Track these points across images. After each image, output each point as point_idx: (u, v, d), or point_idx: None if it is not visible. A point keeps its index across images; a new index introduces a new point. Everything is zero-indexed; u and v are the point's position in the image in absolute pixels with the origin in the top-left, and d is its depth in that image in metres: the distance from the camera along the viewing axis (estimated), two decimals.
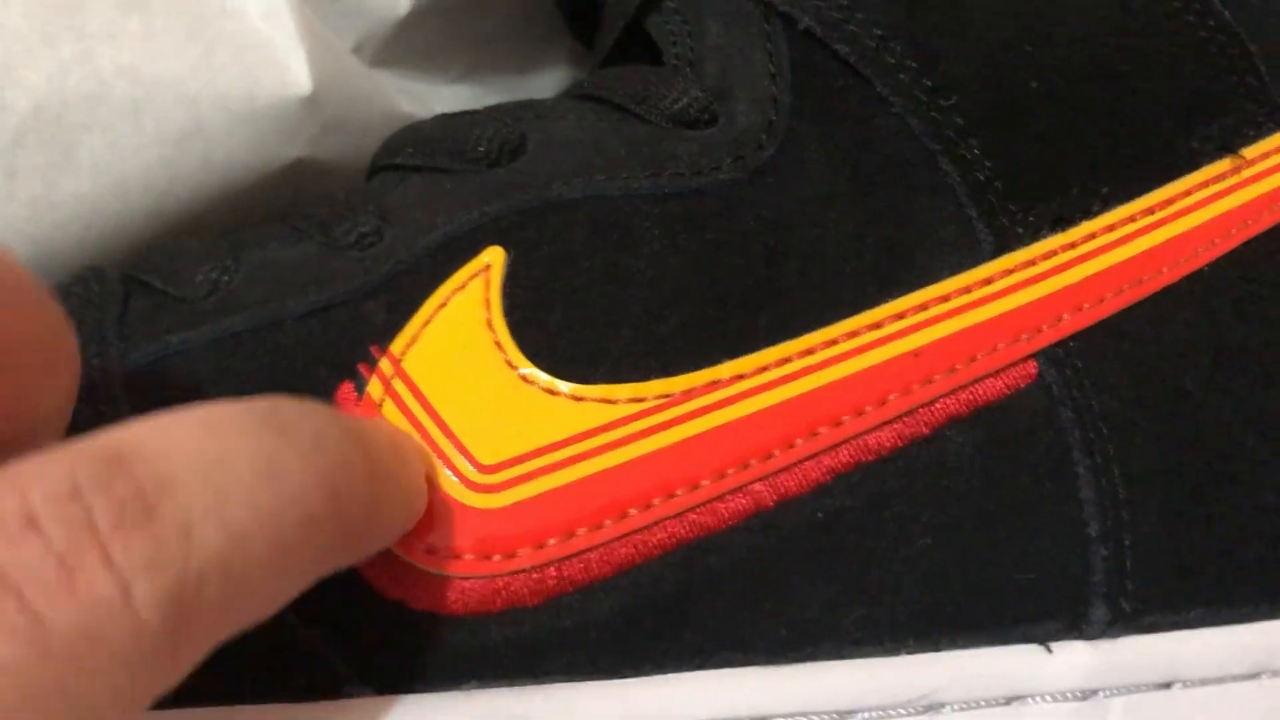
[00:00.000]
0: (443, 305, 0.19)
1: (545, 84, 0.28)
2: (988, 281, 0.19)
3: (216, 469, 0.14)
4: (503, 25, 0.26)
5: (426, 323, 0.19)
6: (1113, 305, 0.19)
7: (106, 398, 0.19)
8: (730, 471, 0.18)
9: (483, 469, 0.18)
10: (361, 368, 0.18)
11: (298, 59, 0.23)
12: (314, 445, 0.15)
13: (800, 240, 0.19)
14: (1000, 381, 0.19)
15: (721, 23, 0.21)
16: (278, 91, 0.23)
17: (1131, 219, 0.20)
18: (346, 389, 0.18)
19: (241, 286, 0.20)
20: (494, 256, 0.19)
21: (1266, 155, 0.21)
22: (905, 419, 0.19)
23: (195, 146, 0.22)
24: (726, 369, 0.18)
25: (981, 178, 0.19)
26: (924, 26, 0.20)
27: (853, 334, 0.19)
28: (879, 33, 0.20)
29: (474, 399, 0.18)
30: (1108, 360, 0.19)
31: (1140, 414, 0.19)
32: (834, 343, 0.19)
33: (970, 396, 0.19)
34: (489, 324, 0.19)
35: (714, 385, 0.18)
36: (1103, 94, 0.20)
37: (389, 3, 0.24)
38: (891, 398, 0.19)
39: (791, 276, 0.19)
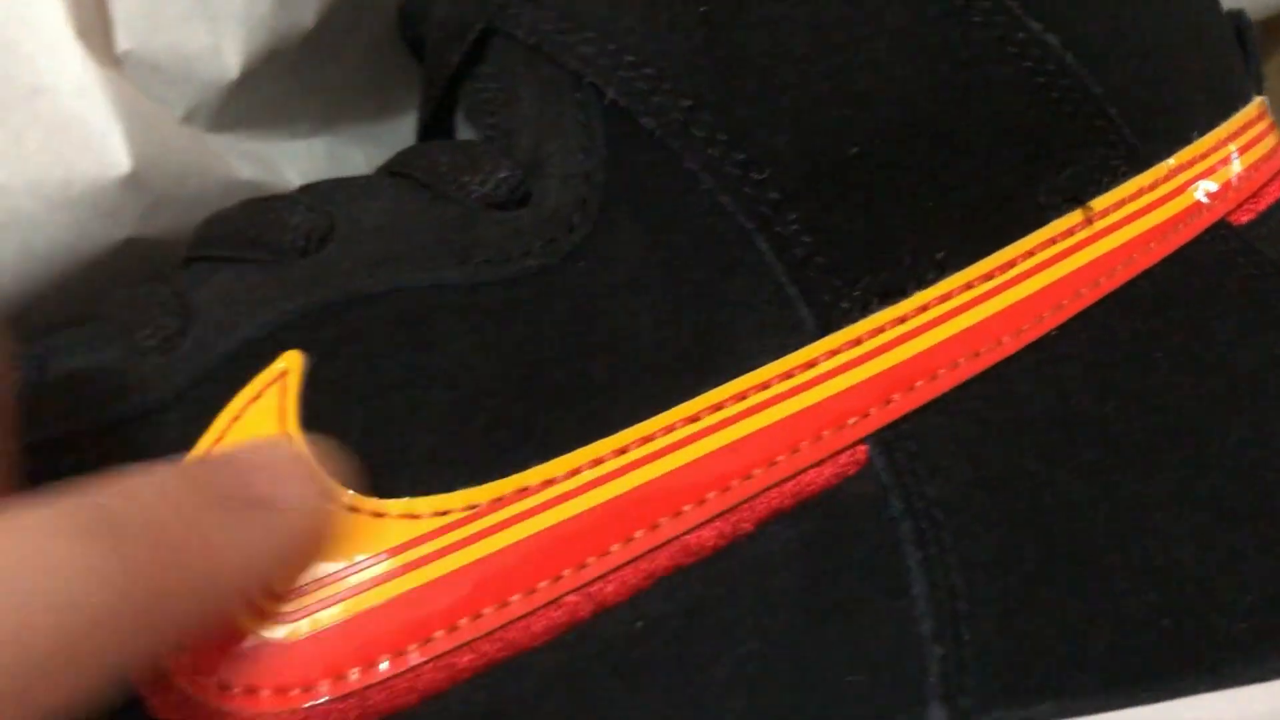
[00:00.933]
0: (236, 418, 0.18)
1: (406, 126, 0.27)
2: (810, 364, 0.18)
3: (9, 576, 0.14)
4: (352, 71, 0.25)
5: (220, 438, 0.18)
6: (948, 381, 0.18)
7: None
8: (542, 585, 0.17)
9: (277, 597, 0.17)
10: None
11: (115, 137, 0.22)
12: (137, 545, 0.15)
13: (612, 329, 0.18)
14: (826, 470, 0.18)
15: (535, 91, 0.20)
16: (95, 173, 0.22)
17: (969, 285, 0.19)
18: None
19: (47, 394, 0.19)
20: (291, 361, 0.18)
21: (1121, 204, 0.19)
22: (726, 516, 0.18)
23: (13, 236, 0.21)
24: (536, 474, 0.18)
25: (801, 254, 0.18)
26: (734, 93, 0.18)
27: (668, 429, 0.18)
28: (686, 103, 0.18)
29: None
30: (942, 442, 0.18)
31: (979, 498, 0.18)
32: (649, 439, 0.18)
33: (794, 488, 0.18)
34: (285, 437, 0.18)
35: (523, 492, 0.17)
36: (932, 152, 0.19)
37: (217, 67, 0.23)
38: (711, 495, 0.18)
39: (603, 369, 0.18)
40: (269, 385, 0.18)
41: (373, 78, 0.26)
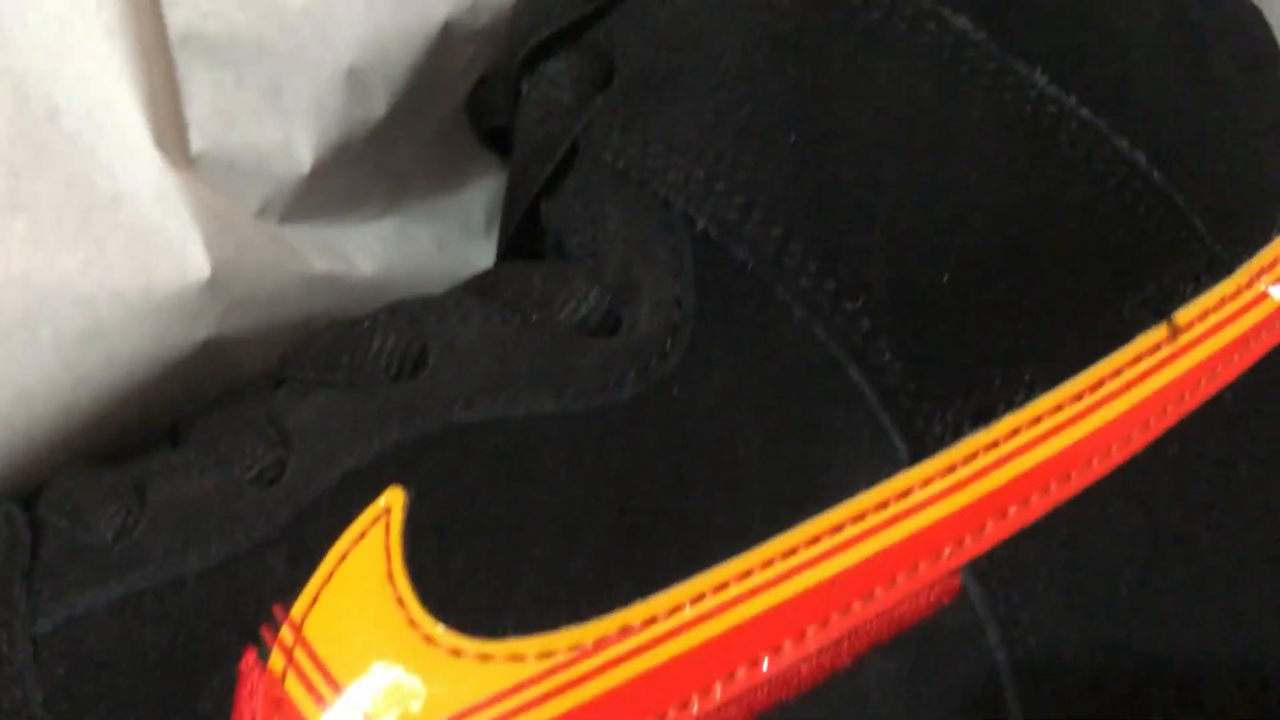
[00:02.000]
0: (343, 559, 0.18)
1: (472, 201, 0.27)
2: (905, 494, 0.18)
3: None
4: (420, 152, 0.25)
5: (327, 579, 0.18)
6: (1040, 507, 0.19)
7: (13, 673, 0.18)
8: None
9: None
10: (264, 631, 0.18)
11: (194, 242, 0.22)
12: None
13: (708, 460, 0.18)
14: (922, 600, 0.18)
15: (623, 212, 0.20)
16: (176, 280, 0.22)
17: (1058, 408, 0.19)
18: (250, 658, 0.18)
19: (147, 532, 0.19)
20: (394, 498, 0.19)
21: (1204, 315, 0.20)
22: (825, 650, 0.18)
23: (97, 347, 0.22)
24: (638, 611, 0.18)
25: (893, 381, 0.18)
26: (826, 222, 0.18)
27: (767, 563, 0.18)
28: (777, 232, 0.18)
29: (376, 669, 0.18)
30: (1035, 568, 0.18)
31: (1072, 624, 0.18)
32: (748, 574, 0.18)
33: (891, 620, 0.18)
34: (390, 577, 0.18)
35: (626, 631, 0.18)
36: (1022, 273, 0.19)
37: (291, 161, 0.23)
38: (810, 630, 0.18)
39: (700, 501, 0.18)
40: (373, 524, 0.18)
41: (439, 155, 0.26)
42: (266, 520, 0.19)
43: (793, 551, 0.18)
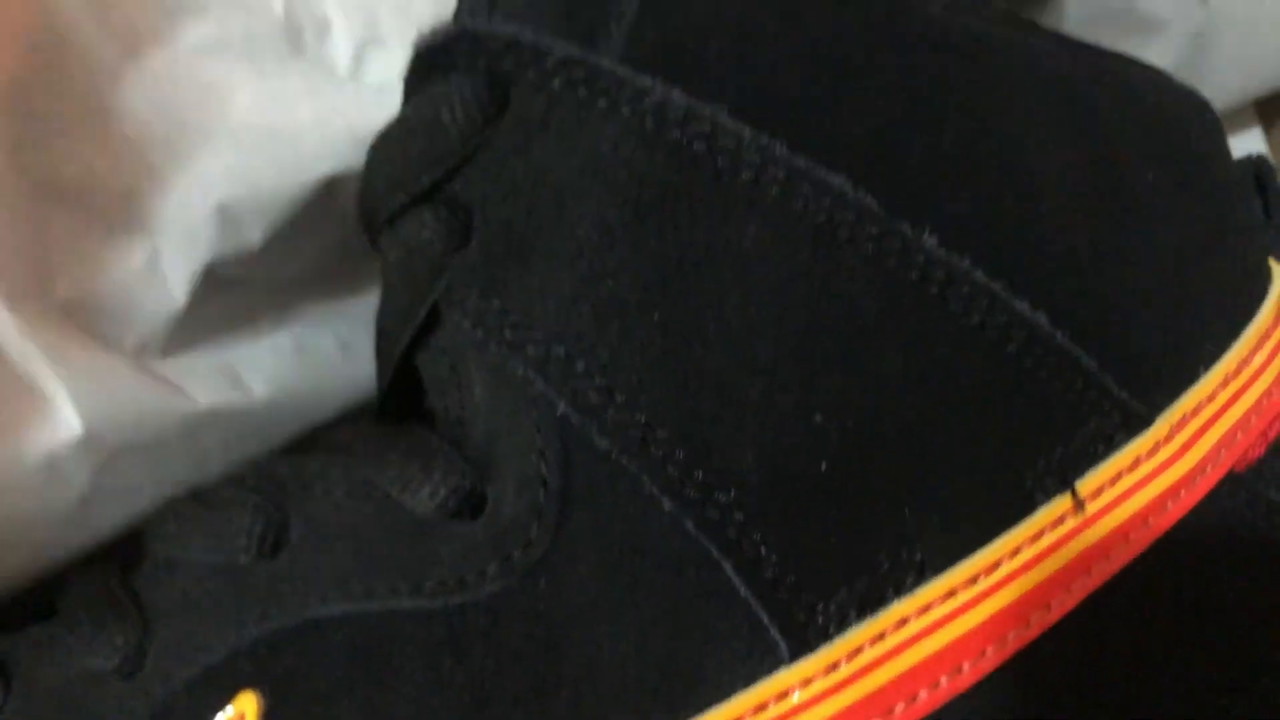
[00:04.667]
0: None
1: (364, 306, 0.25)
2: (784, 695, 0.17)
3: None
4: (311, 266, 0.24)
5: None
6: (930, 703, 0.17)
7: None
8: None
9: None
10: None
11: (63, 400, 0.21)
12: None
13: (574, 661, 0.17)
14: None
15: (486, 379, 0.18)
16: (48, 440, 0.21)
17: (950, 593, 0.17)
18: None
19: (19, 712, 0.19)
20: (247, 705, 0.18)
21: (1117, 477, 0.18)
22: None
23: None
24: None
25: (770, 575, 0.17)
26: (694, 408, 0.17)
27: None
28: (642, 418, 0.17)
29: None
30: None
31: None
32: None
33: None
34: None
35: None
36: (912, 452, 0.17)
37: (164, 298, 0.22)
38: None
39: (567, 706, 0.17)
40: None
41: (332, 264, 0.24)
42: (128, 717, 0.18)
43: None
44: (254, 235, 0.22)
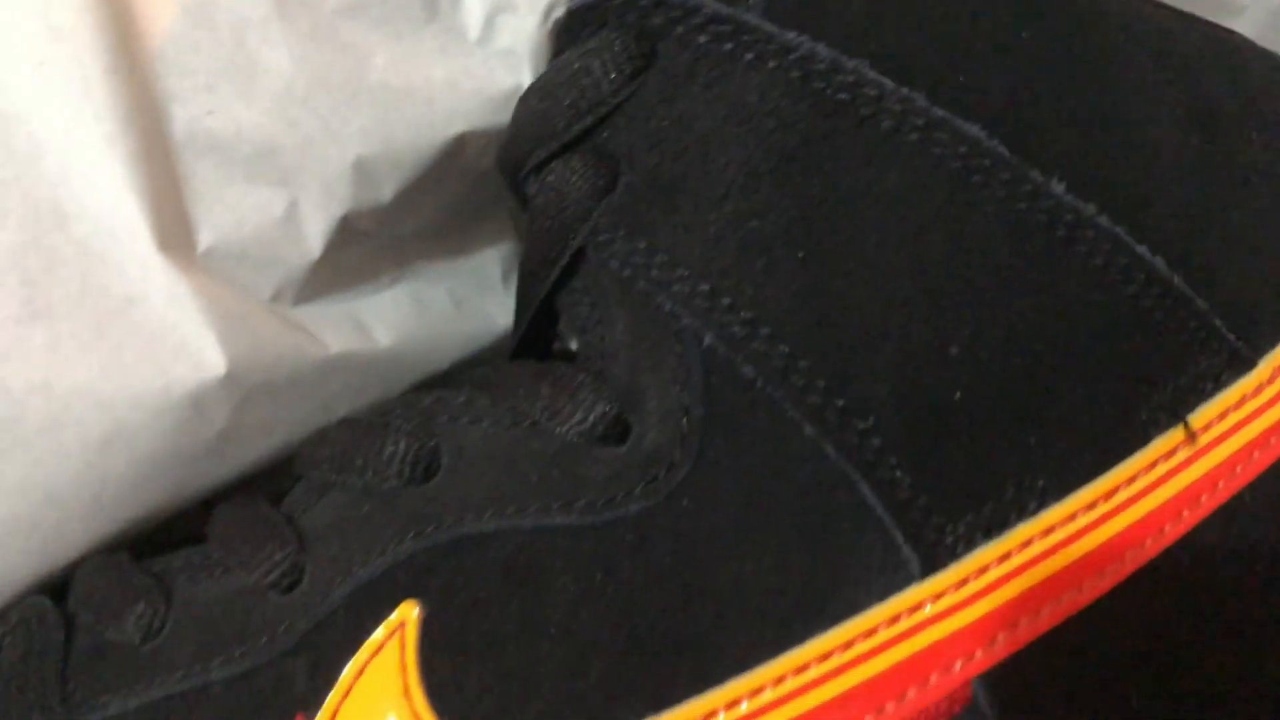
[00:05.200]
0: (360, 673, 0.19)
1: (487, 255, 0.27)
2: (916, 608, 0.18)
3: None
4: (429, 226, 0.25)
5: (346, 694, 0.19)
6: (1052, 618, 0.18)
7: None
8: None
9: None
10: None
11: (208, 340, 0.22)
12: None
13: (717, 577, 0.18)
14: (933, 712, 0.18)
15: (630, 317, 0.20)
16: (193, 378, 0.22)
17: (1071, 517, 0.19)
18: None
19: (173, 635, 0.20)
20: (408, 612, 0.19)
21: (1224, 414, 0.19)
22: None
23: (119, 448, 0.22)
24: None
25: (904, 496, 0.18)
26: (834, 340, 0.18)
27: (779, 680, 0.18)
28: (785, 349, 0.18)
29: None
30: (1042, 678, 0.18)
31: None
32: (759, 691, 0.18)
33: None
34: (405, 692, 0.18)
35: None
36: (1037, 385, 0.19)
37: (302, 248, 0.23)
38: None
39: (710, 617, 0.18)
40: (389, 638, 0.19)
41: (450, 222, 0.26)
42: (286, 629, 0.19)
43: (804, 668, 0.18)
44: (386, 191, 0.23)
